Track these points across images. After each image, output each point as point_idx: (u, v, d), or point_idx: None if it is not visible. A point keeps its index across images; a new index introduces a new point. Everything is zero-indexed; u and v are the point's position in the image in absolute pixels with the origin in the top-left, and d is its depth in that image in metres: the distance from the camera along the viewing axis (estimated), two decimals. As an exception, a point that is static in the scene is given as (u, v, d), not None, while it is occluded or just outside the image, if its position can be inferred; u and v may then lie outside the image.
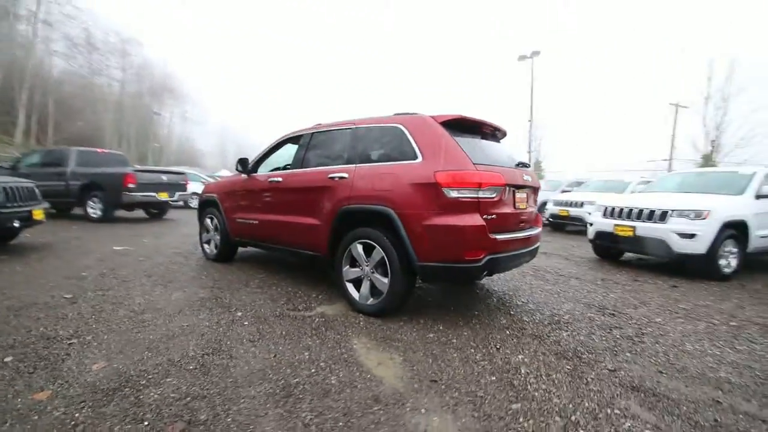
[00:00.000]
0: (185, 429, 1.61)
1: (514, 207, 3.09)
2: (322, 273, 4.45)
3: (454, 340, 2.62)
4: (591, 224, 5.99)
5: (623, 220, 5.40)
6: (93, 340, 2.42)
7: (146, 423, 1.63)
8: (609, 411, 1.83)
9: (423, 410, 1.80)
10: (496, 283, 4.29)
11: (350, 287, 3.18)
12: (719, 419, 1.80)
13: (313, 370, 2.14)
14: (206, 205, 5.07)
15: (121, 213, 9.55)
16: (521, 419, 1.74)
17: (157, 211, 10.16)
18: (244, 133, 78.49)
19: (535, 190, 3.51)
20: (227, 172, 18.91)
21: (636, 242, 5.21)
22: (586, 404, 1.88)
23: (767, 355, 2.55)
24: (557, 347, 2.56)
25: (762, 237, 5.13)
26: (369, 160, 3.20)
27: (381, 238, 2.92)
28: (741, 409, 1.90)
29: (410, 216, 2.76)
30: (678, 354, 2.53)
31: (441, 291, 3.89)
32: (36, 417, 1.65)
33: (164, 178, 9.42)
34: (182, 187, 10.04)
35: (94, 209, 8.52)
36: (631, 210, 5.34)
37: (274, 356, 2.30)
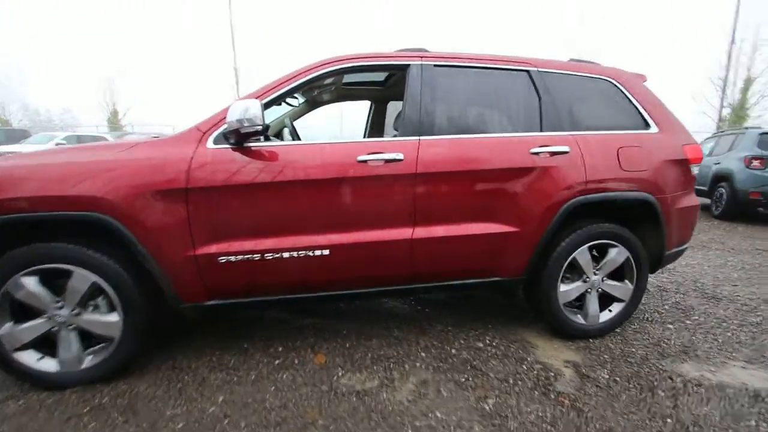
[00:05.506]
0: None
1: None
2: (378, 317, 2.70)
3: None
4: None
5: None
6: None
7: None
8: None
9: None
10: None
11: (566, 311, 2.20)
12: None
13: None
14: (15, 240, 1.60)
15: None
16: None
17: None
18: None
19: None
20: None
21: None
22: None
23: (731, 261, 3.95)
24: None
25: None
26: (580, 127, 2.16)
27: (625, 233, 2.17)
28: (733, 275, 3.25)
29: (667, 200, 2.18)
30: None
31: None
32: None
33: None
34: None
35: None
36: None
37: None
